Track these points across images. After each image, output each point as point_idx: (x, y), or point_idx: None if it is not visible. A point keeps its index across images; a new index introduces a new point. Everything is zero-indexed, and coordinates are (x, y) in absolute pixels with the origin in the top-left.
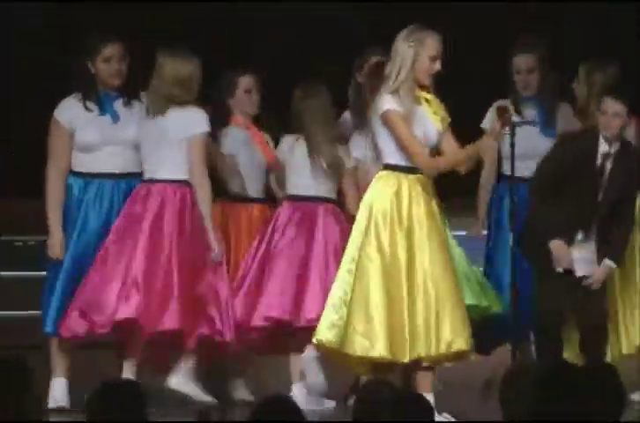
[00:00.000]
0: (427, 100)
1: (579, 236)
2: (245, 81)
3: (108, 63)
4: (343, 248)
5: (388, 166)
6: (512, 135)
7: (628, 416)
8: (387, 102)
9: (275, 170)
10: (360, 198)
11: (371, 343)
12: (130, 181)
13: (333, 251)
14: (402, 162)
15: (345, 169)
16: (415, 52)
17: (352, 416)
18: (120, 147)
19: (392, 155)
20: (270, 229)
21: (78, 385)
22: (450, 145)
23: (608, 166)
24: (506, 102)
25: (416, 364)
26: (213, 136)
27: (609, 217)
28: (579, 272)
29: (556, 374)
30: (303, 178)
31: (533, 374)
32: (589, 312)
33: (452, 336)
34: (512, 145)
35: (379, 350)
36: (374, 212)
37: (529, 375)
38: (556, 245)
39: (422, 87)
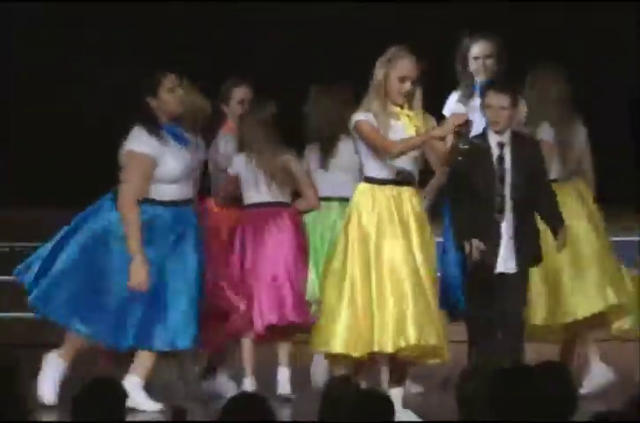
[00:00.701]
0: (408, 116)
1: (503, 228)
2: (240, 92)
3: (173, 92)
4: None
5: (366, 179)
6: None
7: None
8: (358, 116)
9: (230, 184)
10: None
11: (327, 338)
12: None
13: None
14: (380, 175)
15: (296, 172)
16: (385, 73)
17: (317, 413)
18: (196, 174)
19: (371, 168)
20: (243, 235)
21: (68, 384)
22: (435, 153)
23: (507, 154)
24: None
25: (391, 361)
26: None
27: (525, 205)
28: (499, 268)
29: (510, 373)
30: (260, 188)
31: (489, 373)
32: (505, 312)
33: (419, 332)
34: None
35: (334, 345)
36: (349, 218)
37: (485, 374)
38: (468, 245)
39: (401, 105)
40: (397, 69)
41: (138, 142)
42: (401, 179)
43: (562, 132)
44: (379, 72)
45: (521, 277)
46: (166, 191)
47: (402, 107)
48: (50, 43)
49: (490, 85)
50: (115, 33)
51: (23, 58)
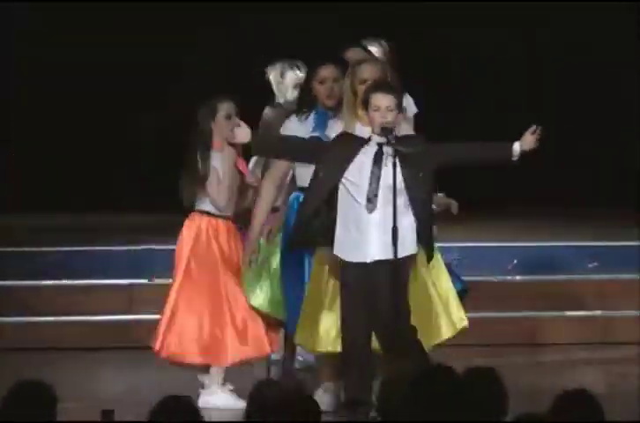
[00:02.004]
0: None
1: (374, 218)
2: (225, 107)
3: (323, 83)
4: None
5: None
6: None
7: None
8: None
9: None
10: None
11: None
12: None
13: None
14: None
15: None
16: (351, 83)
17: (243, 415)
18: None
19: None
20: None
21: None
22: None
23: (391, 151)
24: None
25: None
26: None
27: (418, 197)
28: (377, 256)
29: (433, 379)
30: None
31: (409, 381)
32: (380, 312)
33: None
34: None
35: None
36: None
37: (405, 382)
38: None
39: None
40: (358, 74)
41: (284, 127)
42: None
43: None
44: (346, 84)
45: (398, 270)
46: (306, 176)
47: None
48: (50, 43)
49: (376, 88)
50: (116, 34)
51: (23, 58)
